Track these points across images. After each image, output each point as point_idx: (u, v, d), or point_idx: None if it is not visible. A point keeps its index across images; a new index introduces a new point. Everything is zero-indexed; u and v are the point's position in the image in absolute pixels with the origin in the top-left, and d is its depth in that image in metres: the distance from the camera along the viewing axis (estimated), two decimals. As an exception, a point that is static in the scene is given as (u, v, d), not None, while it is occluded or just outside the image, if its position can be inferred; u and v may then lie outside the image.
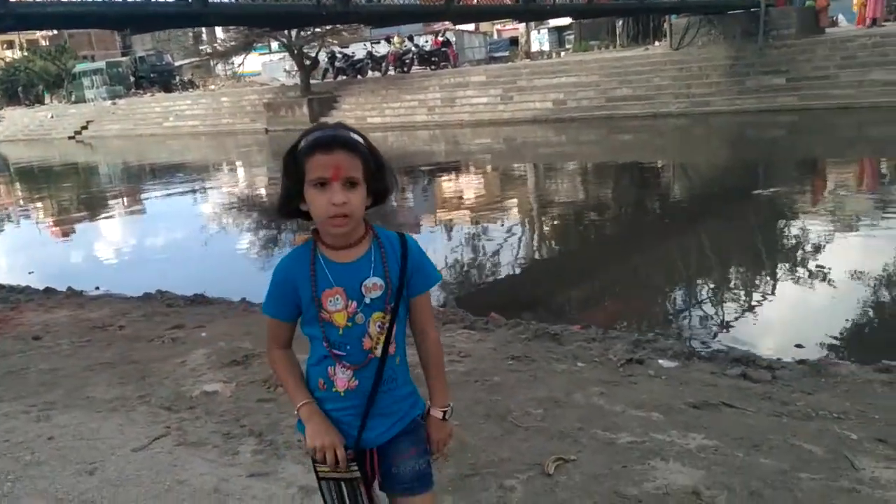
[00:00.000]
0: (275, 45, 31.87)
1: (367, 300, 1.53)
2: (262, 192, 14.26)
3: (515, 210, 10.43)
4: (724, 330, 5.03)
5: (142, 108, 31.80)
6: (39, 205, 15.61)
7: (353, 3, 12.97)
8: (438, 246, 8.14)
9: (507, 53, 31.15)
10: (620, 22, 29.38)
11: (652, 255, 7.47)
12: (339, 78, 27.49)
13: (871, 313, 5.18)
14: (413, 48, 26.89)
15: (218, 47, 31.62)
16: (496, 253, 7.83)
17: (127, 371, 3.92)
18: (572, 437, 2.84)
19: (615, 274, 6.94)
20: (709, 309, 5.66)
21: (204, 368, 3.89)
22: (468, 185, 13.29)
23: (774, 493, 2.38)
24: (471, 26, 33.05)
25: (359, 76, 27.23)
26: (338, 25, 23.78)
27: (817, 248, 6.87)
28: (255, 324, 4.52)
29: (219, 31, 33.27)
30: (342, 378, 1.55)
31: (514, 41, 33.16)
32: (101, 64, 38.34)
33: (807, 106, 16.11)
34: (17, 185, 19.95)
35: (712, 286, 6.29)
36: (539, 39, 33.73)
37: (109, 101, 33.68)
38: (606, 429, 2.89)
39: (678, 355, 3.81)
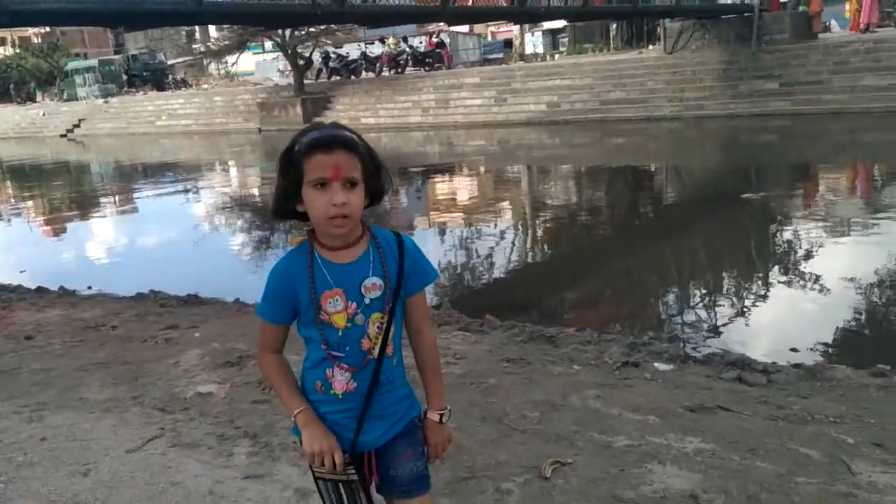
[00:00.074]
0: (268, 44, 31.74)
1: (367, 301, 1.52)
2: (255, 192, 14.23)
3: (510, 212, 10.43)
4: (720, 333, 5.04)
5: (134, 106, 31.61)
6: (31, 203, 15.52)
7: (348, 3, 12.92)
8: (433, 248, 8.13)
9: (501, 55, 31.23)
10: (614, 25, 29.52)
11: (647, 257, 7.48)
12: (333, 78, 27.42)
13: (865, 317, 5.20)
14: (407, 49, 26.86)
15: (211, 46, 31.41)
16: (491, 255, 7.82)
17: (120, 371, 3.89)
18: (569, 440, 2.83)
19: (610, 276, 6.95)
20: (704, 312, 5.67)
21: (198, 369, 3.86)
22: (462, 187, 13.28)
23: (771, 496, 2.38)
24: (465, 28, 33.07)
25: (353, 77, 27.17)
26: (332, 25, 23.74)
27: (811, 252, 6.90)
28: (250, 324, 4.50)
29: (212, 29, 33.08)
30: (340, 380, 1.54)
31: (508, 43, 33.29)
32: (93, 62, 38.13)
33: (799, 111, 16.18)
34: (8, 183, 19.84)
35: (707, 289, 6.31)
36: (533, 42, 33.86)
37: (102, 100, 33.46)
38: (603, 432, 2.89)
39: (674, 358, 3.82)
